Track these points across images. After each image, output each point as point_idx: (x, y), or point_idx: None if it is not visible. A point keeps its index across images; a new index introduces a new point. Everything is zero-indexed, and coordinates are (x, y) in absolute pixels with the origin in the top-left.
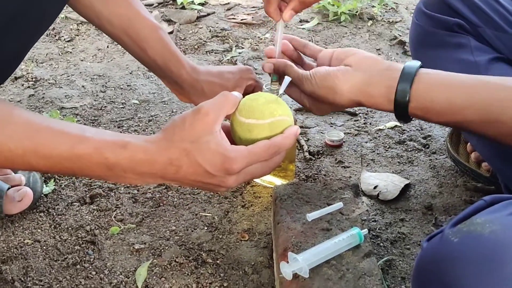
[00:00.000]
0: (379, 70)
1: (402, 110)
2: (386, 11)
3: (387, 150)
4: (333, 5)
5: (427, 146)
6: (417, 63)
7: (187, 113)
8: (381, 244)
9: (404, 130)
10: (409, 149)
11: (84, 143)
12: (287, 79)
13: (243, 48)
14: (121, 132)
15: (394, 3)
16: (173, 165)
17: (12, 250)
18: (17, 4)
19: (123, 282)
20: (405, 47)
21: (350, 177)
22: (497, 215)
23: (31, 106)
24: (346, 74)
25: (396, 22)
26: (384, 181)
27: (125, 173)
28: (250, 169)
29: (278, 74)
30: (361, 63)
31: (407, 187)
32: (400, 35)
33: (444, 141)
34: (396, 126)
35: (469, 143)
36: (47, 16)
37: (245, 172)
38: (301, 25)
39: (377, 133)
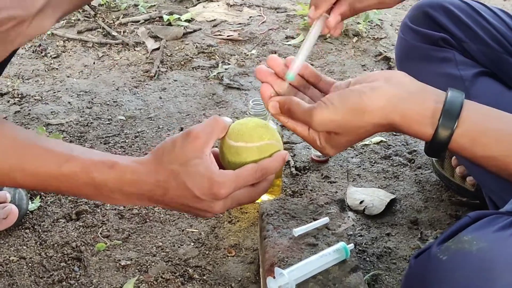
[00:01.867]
0: (417, 87)
1: (443, 137)
2: (371, 28)
3: (373, 165)
4: None
5: (413, 161)
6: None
7: (177, 136)
8: (367, 258)
9: (389, 145)
10: (395, 164)
11: (72, 162)
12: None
13: (229, 64)
14: (107, 148)
15: (379, 20)
16: (161, 187)
17: None
18: None
19: None
20: (390, 63)
21: (336, 192)
22: (483, 232)
23: (17, 122)
24: (375, 89)
25: (381, 38)
26: (370, 196)
27: (112, 194)
28: (237, 195)
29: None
30: (392, 77)
31: (392, 202)
32: (385, 51)
33: None
34: (381, 141)
35: (454, 157)
36: None
37: (233, 197)
38: (287, 41)
39: (363, 148)
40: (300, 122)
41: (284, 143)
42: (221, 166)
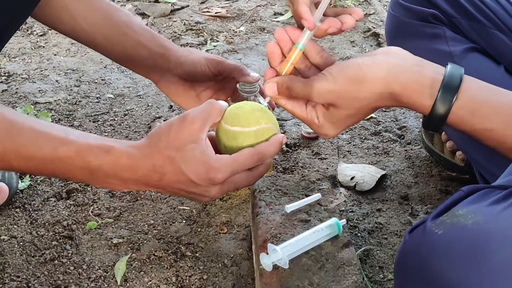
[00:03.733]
0: (416, 59)
1: (442, 108)
2: (359, 4)
3: (363, 142)
4: None
5: (402, 137)
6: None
7: (173, 120)
8: (359, 234)
9: (379, 121)
10: (385, 140)
11: (67, 145)
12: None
13: (218, 41)
14: (96, 127)
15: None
16: (157, 172)
17: None
18: None
19: (102, 277)
20: (379, 39)
21: (327, 168)
22: (478, 206)
23: (4, 101)
24: (375, 59)
25: (370, 14)
26: (361, 172)
27: (107, 178)
28: (234, 179)
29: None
30: (390, 51)
31: (383, 178)
32: (374, 27)
33: (419, 131)
34: (371, 117)
35: (443, 132)
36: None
37: (229, 182)
38: (276, 17)
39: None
40: (299, 98)
41: None
42: (217, 151)
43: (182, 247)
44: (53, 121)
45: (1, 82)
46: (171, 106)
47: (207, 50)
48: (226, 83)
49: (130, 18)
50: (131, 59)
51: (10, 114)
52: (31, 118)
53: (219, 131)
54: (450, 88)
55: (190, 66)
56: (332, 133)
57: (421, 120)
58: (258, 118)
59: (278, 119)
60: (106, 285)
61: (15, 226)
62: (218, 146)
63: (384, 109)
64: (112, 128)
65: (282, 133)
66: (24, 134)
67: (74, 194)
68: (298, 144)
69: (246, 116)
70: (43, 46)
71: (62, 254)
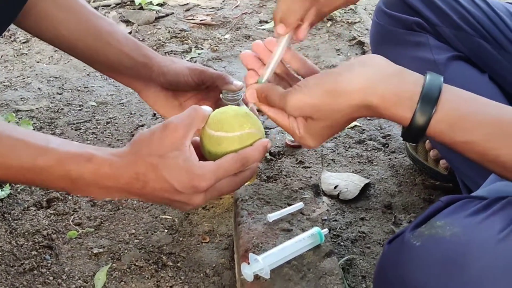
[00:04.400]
0: (395, 69)
1: (421, 121)
2: (345, 12)
3: (347, 150)
4: None
5: (387, 145)
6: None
7: (156, 127)
8: (342, 243)
9: (364, 129)
10: (369, 149)
11: (47, 154)
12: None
13: (202, 49)
14: (79, 134)
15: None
16: (139, 180)
17: None
18: None
19: (82, 287)
20: (364, 47)
21: (311, 177)
22: (456, 217)
23: None
24: (351, 70)
25: (355, 22)
26: (345, 180)
27: (89, 187)
28: (218, 186)
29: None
30: (368, 60)
31: (367, 187)
32: (359, 36)
33: (403, 140)
34: (356, 126)
35: (427, 141)
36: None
37: (213, 189)
38: (261, 25)
39: (338, 133)
40: (278, 109)
41: None
42: (202, 157)
43: (164, 257)
44: (35, 129)
45: None
46: (154, 114)
47: (191, 58)
48: (209, 91)
49: (113, 27)
50: (113, 68)
51: None
52: (10, 126)
53: (203, 137)
54: (429, 100)
55: (172, 76)
56: (313, 144)
57: None
58: (242, 123)
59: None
60: None
61: None
62: (202, 152)
63: (368, 118)
64: (95, 136)
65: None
66: (2, 143)
67: (55, 203)
68: (282, 152)
69: (230, 121)
70: (26, 53)
71: (42, 264)
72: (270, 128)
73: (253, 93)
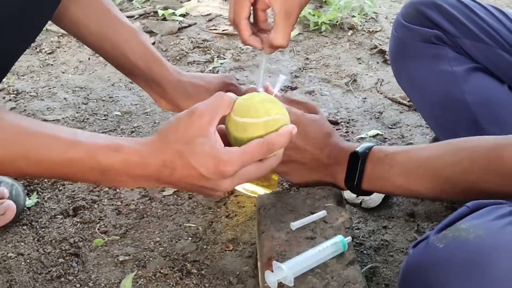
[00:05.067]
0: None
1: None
2: (366, 21)
3: None
4: (313, 15)
5: None
6: (369, 144)
7: (182, 114)
8: (365, 251)
9: (385, 138)
10: None
11: (76, 147)
12: (281, 78)
13: (225, 58)
14: None
15: (374, 13)
16: (167, 167)
17: None
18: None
19: None
20: (385, 56)
21: None
22: (481, 221)
23: None
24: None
25: (376, 31)
26: None
27: (118, 177)
28: (244, 171)
29: None
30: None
31: (389, 195)
32: (381, 44)
33: None
34: (378, 134)
35: None
36: (33, 29)
37: (240, 174)
38: None
39: (359, 142)
40: None
41: None
42: (228, 144)
43: (188, 265)
44: None
45: (10, 100)
46: None
47: (214, 68)
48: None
49: (131, 36)
50: (133, 76)
51: (16, 119)
52: (38, 122)
53: (228, 123)
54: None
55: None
56: (296, 180)
57: (427, 137)
58: (268, 109)
59: None
60: None
61: (22, 244)
62: (228, 138)
63: (390, 126)
64: None
65: None
66: (33, 138)
67: (81, 211)
68: None
69: (256, 107)
70: (52, 64)
71: (69, 271)
72: None
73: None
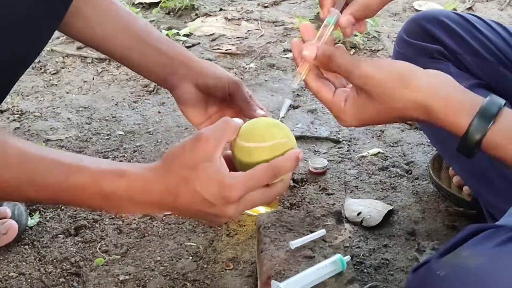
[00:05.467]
0: (460, 86)
1: (478, 131)
2: (368, 40)
3: (370, 177)
4: None
5: (410, 172)
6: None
7: (187, 139)
8: (365, 270)
9: (387, 156)
10: (392, 176)
11: (80, 172)
12: (287, 102)
13: None
14: None
15: (376, 31)
16: (171, 193)
17: None
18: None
19: None
20: None
21: (334, 204)
22: (482, 247)
23: None
24: (426, 72)
25: (379, 50)
26: (368, 207)
27: (121, 202)
28: (250, 197)
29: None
30: (440, 72)
31: (390, 213)
32: None
33: (426, 166)
34: (379, 152)
35: (451, 168)
36: (34, 48)
37: (245, 200)
38: (285, 54)
39: (361, 160)
40: (330, 79)
41: None
42: (234, 169)
43: (188, 284)
44: None
45: (14, 120)
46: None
47: None
48: (233, 102)
49: (148, 26)
50: (148, 67)
51: (22, 144)
52: (43, 147)
53: (234, 148)
54: (486, 114)
55: (212, 79)
56: (351, 122)
57: (429, 155)
58: (274, 133)
59: None
60: None
61: (24, 263)
62: (234, 164)
63: (391, 145)
64: None
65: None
66: (37, 164)
67: (82, 230)
68: (305, 179)
69: (261, 132)
70: (56, 84)
71: None
72: None
73: (313, 50)
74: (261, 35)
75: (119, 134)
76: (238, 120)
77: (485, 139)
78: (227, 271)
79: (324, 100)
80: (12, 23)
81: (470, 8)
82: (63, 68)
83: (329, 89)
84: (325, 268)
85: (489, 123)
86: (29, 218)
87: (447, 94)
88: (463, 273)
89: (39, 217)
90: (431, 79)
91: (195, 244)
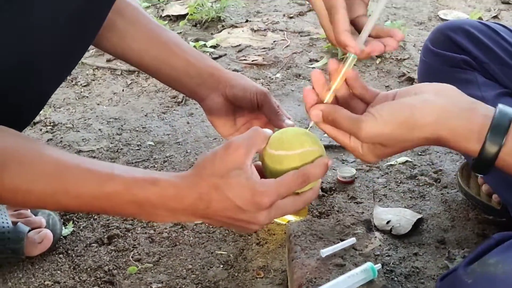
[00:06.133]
0: (467, 102)
1: (490, 153)
2: None
3: (398, 185)
4: None
5: (439, 180)
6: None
7: (218, 148)
8: (395, 278)
9: (415, 165)
10: (421, 184)
11: (113, 181)
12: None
13: None
14: None
15: (402, 41)
16: (203, 200)
17: None
18: (41, 50)
19: None
20: (414, 83)
21: (363, 212)
22: (508, 254)
23: None
24: (426, 102)
25: (404, 59)
26: (397, 216)
27: (155, 210)
28: (281, 204)
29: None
30: (442, 90)
31: (419, 222)
32: (409, 72)
33: (455, 175)
34: (407, 161)
35: (480, 176)
36: (71, 61)
37: (277, 207)
38: (311, 64)
39: (389, 169)
40: (344, 132)
41: None
42: (264, 178)
43: None
44: None
45: (47, 131)
46: None
47: None
48: (261, 112)
49: (178, 39)
50: (178, 78)
51: (57, 153)
52: (76, 156)
53: (264, 157)
54: (497, 133)
55: (240, 90)
56: (373, 160)
57: (457, 164)
58: (303, 141)
59: None
60: None
61: (59, 272)
62: (264, 172)
63: (419, 153)
64: None
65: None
66: (71, 173)
67: (115, 239)
68: (333, 188)
69: (290, 140)
70: (87, 96)
71: None
72: None
73: (319, 114)
74: (287, 46)
75: (149, 144)
76: (267, 130)
77: (498, 160)
78: (258, 279)
79: (343, 145)
80: (49, 41)
81: (495, 17)
82: (93, 80)
83: (344, 135)
84: (356, 276)
85: (501, 142)
86: (63, 228)
87: (454, 123)
88: (490, 281)
89: (73, 227)
90: (434, 110)
91: (225, 252)
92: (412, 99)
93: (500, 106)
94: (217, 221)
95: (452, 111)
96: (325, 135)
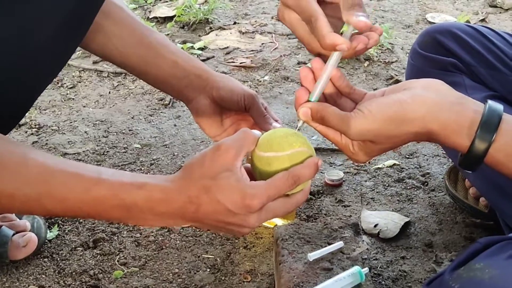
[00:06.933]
0: (456, 96)
1: (479, 150)
2: (382, 52)
3: (386, 189)
4: None
5: (426, 183)
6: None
7: (207, 150)
8: (383, 282)
9: (403, 168)
10: (408, 187)
11: (100, 185)
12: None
13: None
14: None
15: (390, 44)
16: (192, 203)
17: None
18: (29, 52)
19: None
20: None
21: (351, 216)
22: (495, 259)
23: None
24: (415, 97)
25: (392, 62)
26: (384, 219)
27: (143, 214)
28: (271, 206)
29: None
30: (431, 85)
31: (407, 225)
32: (397, 75)
33: (442, 178)
34: (394, 164)
35: (467, 179)
36: (58, 63)
37: (267, 209)
38: (299, 66)
39: (376, 172)
40: (334, 130)
41: None
42: (254, 180)
43: None
44: None
45: (32, 134)
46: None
47: None
48: (248, 115)
49: (165, 40)
50: (164, 80)
51: (42, 157)
52: (62, 160)
53: (253, 159)
54: (487, 129)
55: (227, 92)
56: (363, 159)
57: (445, 167)
58: (292, 142)
59: None
60: None
61: (43, 276)
62: (254, 174)
63: (407, 156)
64: None
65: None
66: (57, 177)
67: (101, 243)
68: (321, 191)
69: (279, 141)
70: (73, 98)
71: None
72: None
73: (307, 112)
74: (275, 48)
75: (136, 147)
76: (256, 132)
77: (487, 157)
78: (245, 283)
79: (334, 142)
80: (37, 44)
81: (483, 20)
82: (79, 82)
83: (335, 132)
84: (343, 280)
85: (490, 139)
86: (48, 231)
87: (444, 117)
88: (477, 285)
89: (58, 230)
90: (423, 104)
91: (212, 256)
92: (401, 94)
93: (490, 102)
94: (206, 225)
95: (442, 104)
96: (313, 137)
